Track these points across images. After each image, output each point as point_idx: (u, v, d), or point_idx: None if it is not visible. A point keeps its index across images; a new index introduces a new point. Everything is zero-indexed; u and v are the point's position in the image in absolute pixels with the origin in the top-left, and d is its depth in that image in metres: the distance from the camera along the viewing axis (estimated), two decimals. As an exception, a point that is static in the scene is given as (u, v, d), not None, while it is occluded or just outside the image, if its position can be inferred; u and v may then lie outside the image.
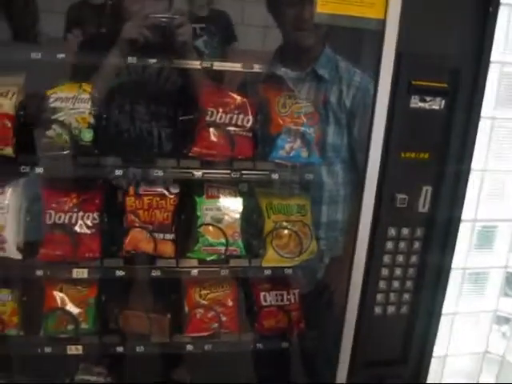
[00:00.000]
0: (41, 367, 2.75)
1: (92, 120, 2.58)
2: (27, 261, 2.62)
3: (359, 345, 2.75)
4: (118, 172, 2.58)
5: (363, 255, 2.48)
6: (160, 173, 2.62)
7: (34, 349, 2.69)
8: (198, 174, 2.65)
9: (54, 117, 2.55)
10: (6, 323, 2.70)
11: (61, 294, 2.80)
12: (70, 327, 2.72)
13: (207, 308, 2.79)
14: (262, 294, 3.03)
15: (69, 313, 2.74)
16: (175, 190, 2.76)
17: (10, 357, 2.80)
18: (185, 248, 2.79)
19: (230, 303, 2.96)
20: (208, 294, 2.94)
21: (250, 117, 2.73)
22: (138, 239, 2.71)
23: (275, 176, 2.74)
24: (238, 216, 2.83)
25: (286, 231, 2.87)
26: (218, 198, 2.84)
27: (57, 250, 2.65)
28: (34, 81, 2.63)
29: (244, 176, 2.71)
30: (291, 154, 2.73)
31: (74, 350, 2.72)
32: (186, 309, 2.92)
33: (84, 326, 2.80)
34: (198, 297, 2.92)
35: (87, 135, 2.56)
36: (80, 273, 2.70)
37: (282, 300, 3.05)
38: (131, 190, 2.73)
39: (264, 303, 3.02)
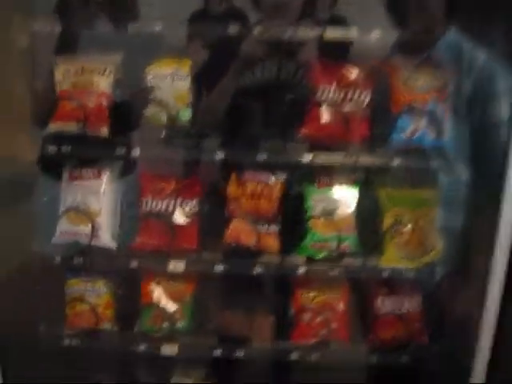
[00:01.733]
0: (133, 367, 2.55)
1: (191, 98, 2.32)
2: (122, 251, 2.40)
3: (497, 364, 2.27)
4: (219, 155, 2.30)
5: (501, 267, 2.20)
6: (264, 156, 2.31)
7: (128, 346, 2.49)
8: (307, 158, 2.31)
9: (151, 95, 2.33)
10: (101, 317, 2.52)
11: (157, 288, 2.57)
12: (166, 325, 2.47)
13: (315, 312, 2.48)
14: (379, 298, 2.62)
15: (165, 309, 2.49)
16: (282, 177, 2.45)
17: (105, 353, 2.61)
18: (291, 243, 2.47)
19: (341, 308, 2.59)
20: (316, 296, 2.60)
21: (368, 93, 2.34)
22: (239, 230, 2.43)
23: (396, 162, 2.34)
24: (352, 208, 2.46)
25: (408, 227, 2.45)
26: (331, 187, 2.49)
27: (153, 240, 2.45)
28: (132, 59, 2.43)
29: (360, 162, 2.34)
30: (415, 136, 2.31)
31: (169, 350, 2.49)
32: (292, 312, 2.59)
33: (180, 324, 2.54)
34: (304, 299, 2.58)
35: (186, 114, 2.32)
36: (177, 266, 2.45)
37: (401, 307, 2.63)
38: (233, 176, 2.45)
39: (381, 310, 2.61)
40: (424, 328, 2.60)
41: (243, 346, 2.53)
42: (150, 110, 2.33)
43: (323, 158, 2.36)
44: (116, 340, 2.54)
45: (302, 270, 2.46)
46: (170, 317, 2.49)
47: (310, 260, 2.47)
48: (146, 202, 2.48)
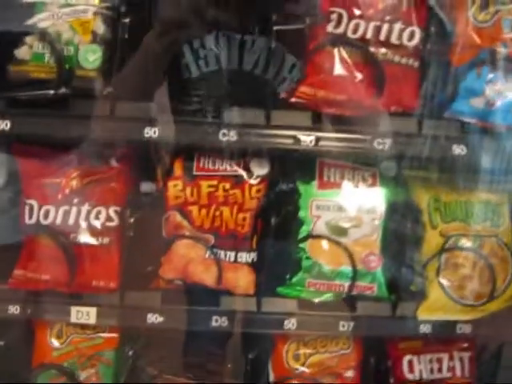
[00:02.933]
0: None
1: (102, 28, 1.28)
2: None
3: None
4: (150, 132, 1.29)
5: None
6: (232, 136, 1.30)
7: None
8: (307, 138, 1.32)
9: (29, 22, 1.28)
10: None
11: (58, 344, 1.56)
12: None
13: (309, 380, 1.62)
14: (406, 358, 1.67)
15: (70, 373, 1.51)
16: (262, 171, 1.44)
17: None
18: (274, 279, 1.47)
19: (350, 374, 1.63)
20: (312, 354, 1.63)
21: (415, 29, 1.33)
22: (187, 259, 1.43)
23: (457, 150, 1.35)
24: (377, 223, 1.47)
25: (466, 255, 1.48)
26: (340, 187, 1.48)
27: (42, 273, 1.43)
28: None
29: (394, 147, 1.33)
30: (494, 107, 1.32)
31: None
32: (272, 379, 1.63)
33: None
34: (292, 359, 1.61)
35: (91, 57, 1.27)
36: (85, 314, 1.45)
37: (440, 370, 1.69)
38: (177, 168, 1.43)
39: (409, 375, 1.67)
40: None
41: None
42: (27, 50, 1.27)
43: (331, 140, 1.34)
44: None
45: (290, 324, 1.47)
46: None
47: (305, 304, 1.48)
48: (30, 209, 1.44)
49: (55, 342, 1.66)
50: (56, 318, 1.57)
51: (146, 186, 1.53)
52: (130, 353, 1.71)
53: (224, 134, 1.34)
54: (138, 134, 1.34)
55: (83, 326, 1.63)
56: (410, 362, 1.71)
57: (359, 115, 1.38)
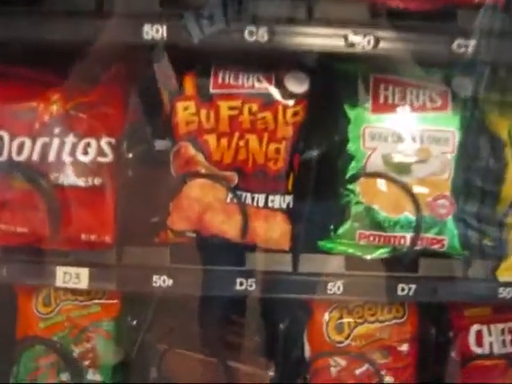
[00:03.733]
0: None
1: None
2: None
3: None
4: (150, 32, 0.95)
5: None
6: (261, 36, 0.95)
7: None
8: (363, 40, 0.97)
9: None
10: None
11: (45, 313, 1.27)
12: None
13: (353, 356, 1.33)
14: (474, 328, 1.35)
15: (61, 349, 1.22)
16: (299, 88, 1.09)
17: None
18: (314, 230, 1.16)
19: (405, 347, 1.34)
20: (358, 324, 1.31)
21: None
22: (202, 205, 1.11)
23: None
24: (448, 157, 1.13)
25: None
26: (401, 110, 1.13)
27: (17, 225, 1.16)
28: None
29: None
30: None
31: None
32: (308, 354, 1.31)
33: (92, 376, 1.32)
34: (333, 330, 1.30)
35: None
36: (71, 276, 1.14)
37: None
38: (188, 84, 1.09)
39: (476, 348, 1.37)
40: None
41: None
42: None
43: (395, 41, 1.00)
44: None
45: (335, 287, 1.15)
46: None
47: (355, 264, 1.15)
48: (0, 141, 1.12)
49: (42, 311, 1.36)
50: (38, 282, 1.25)
51: (161, 144, 1.20)
52: (134, 323, 1.40)
53: (251, 33, 0.98)
54: (136, 34, 0.99)
55: (75, 291, 1.34)
56: (479, 333, 1.39)
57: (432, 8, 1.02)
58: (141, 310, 1.39)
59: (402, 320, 1.37)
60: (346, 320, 1.34)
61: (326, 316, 1.34)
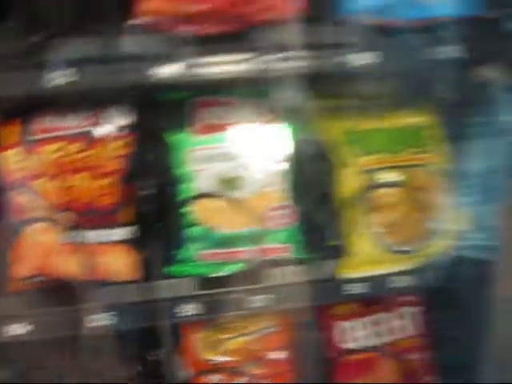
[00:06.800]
0: None
1: None
2: None
3: None
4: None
5: None
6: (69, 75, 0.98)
7: None
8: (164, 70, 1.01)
9: None
10: None
11: None
12: None
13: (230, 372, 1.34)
14: (342, 324, 1.39)
15: None
16: (125, 121, 1.13)
17: None
18: (159, 257, 1.16)
19: (282, 355, 1.36)
20: (229, 338, 1.33)
21: None
22: (44, 249, 1.12)
23: (361, 59, 1.08)
24: (279, 168, 1.19)
25: (390, 193, 1.22)
26: (224, 128, 1.18)
27: None
28: None
29: (283, 63, 1.04)
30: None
31: None
32: (189, 375, 1.34)
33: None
34: (207, 349, 1.32)
35: None
36: None
37: (385, 333, 1.43)
38: (11, 132, 1.11)
39: (347, 344, 1.40)
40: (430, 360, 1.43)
41: None
42: None
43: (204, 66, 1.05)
44: None
45: (187, 310, 1.18)
46: None
47: (205, 282, 1.19)
48: None
49: None
50: None
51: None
52: None
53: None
54: None
55: None
56: (345, 330, 1.44)
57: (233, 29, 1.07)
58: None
59: (274, 329, 1.40)
60: (216, 337, 1.37)
61: (196, 337, 1.35)
